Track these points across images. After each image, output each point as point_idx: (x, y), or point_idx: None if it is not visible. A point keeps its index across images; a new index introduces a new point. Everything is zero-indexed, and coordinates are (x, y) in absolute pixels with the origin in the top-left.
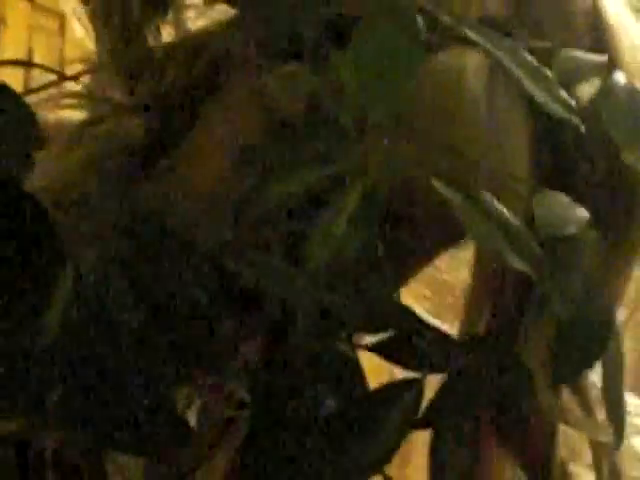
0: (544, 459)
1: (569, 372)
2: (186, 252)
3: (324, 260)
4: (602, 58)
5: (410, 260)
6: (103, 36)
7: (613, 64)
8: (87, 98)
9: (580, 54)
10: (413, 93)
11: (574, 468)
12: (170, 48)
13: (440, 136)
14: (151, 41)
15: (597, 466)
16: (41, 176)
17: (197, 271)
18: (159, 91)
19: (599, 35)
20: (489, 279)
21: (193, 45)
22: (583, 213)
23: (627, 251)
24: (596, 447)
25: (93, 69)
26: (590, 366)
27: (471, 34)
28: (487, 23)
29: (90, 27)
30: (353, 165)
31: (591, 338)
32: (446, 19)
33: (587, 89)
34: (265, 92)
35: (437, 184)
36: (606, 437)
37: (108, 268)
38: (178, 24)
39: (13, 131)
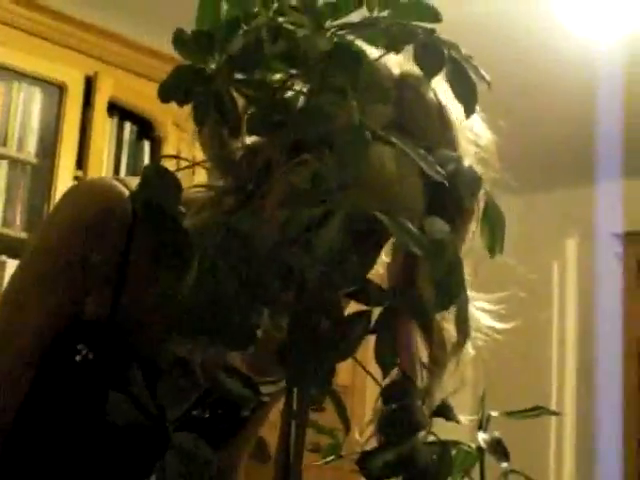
0: None
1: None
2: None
3: (325, 252)
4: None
5: (371, 254)
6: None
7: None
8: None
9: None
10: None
11: None
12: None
13: (378, 190)
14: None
15: None
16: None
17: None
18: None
19: (446, 131)
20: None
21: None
22: (446, 227)
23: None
24: None
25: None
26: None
27: (393, 139)
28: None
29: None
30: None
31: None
32: (374, 128)
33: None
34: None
35: (379, 215)
36: None
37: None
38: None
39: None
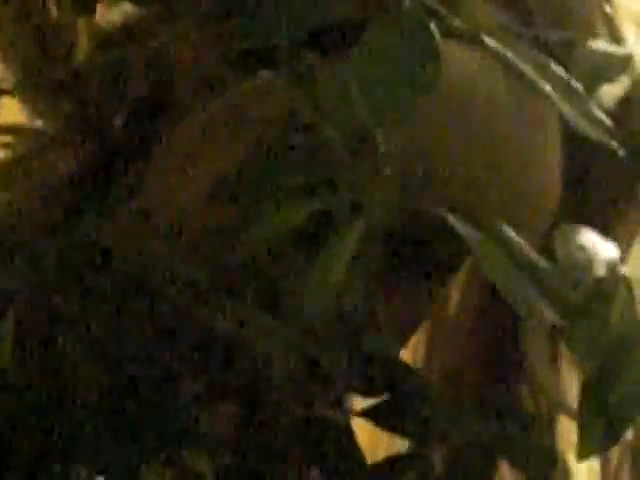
0: None
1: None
2: (146, 296)
3: (320, 314)
4: (625, 50)
5: (416, 313)
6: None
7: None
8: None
9: (600, 47)
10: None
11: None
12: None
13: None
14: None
15: None
16: None
17: (161, 321)
18: (97, 115)
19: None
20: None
21: (135, 59)
22: (612, 250)
23: None
24: None
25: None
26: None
27: (491, 43)
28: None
29: None
30: (344, 201)
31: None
32: (460, 24)
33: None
34: (244, 106)
35: (452, 219)
36: None
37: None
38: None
39: None
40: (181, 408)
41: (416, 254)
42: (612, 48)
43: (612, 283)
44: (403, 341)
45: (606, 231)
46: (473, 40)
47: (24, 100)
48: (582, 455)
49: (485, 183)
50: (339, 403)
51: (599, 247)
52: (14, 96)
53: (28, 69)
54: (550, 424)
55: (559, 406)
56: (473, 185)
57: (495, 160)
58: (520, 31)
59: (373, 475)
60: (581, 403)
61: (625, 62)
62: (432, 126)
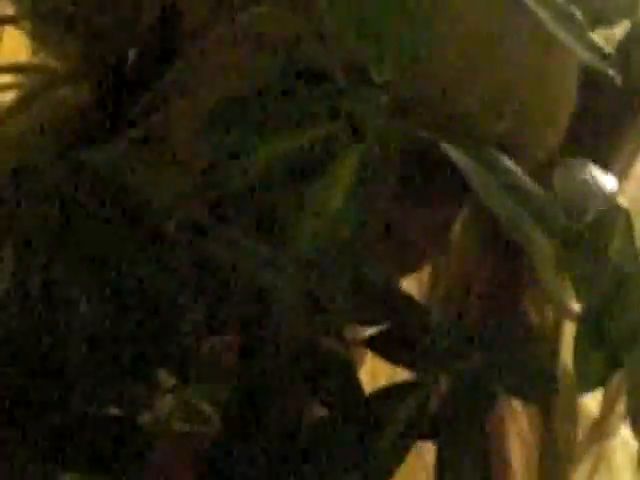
0: None
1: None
2: (149, 231)
3: (317, 242)
4: None
5: (421, 243)
6: None
7: None
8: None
9: None
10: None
11: None
12: None
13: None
14: None
15: None
16: None
17: (163, 251)
18: (108, 48)
19: None
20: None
21: None
22: (612, 183)
23: None
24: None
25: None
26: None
27: None
28: None
29: None
30: (345, 127)
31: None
32: None
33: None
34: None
35: (446, 147)
36: None
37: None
38: None
39: None
40: (184, 341)
41: (426, 182)
42: None
43: (612, 216)
44: (411, 271)
45: (603, 163)
46: None
47: (30, 34)
48: (583, 388)
49: (498, 99)
50: (339, 334)
51: (599, 180)
52: (18, 27)
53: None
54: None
55: (566, 311)
56: (484, 102)
57: (506, 79)
58: None
59: (372, 403)
60: (577, 336)
61: (629, 6)
62: (442, 54)
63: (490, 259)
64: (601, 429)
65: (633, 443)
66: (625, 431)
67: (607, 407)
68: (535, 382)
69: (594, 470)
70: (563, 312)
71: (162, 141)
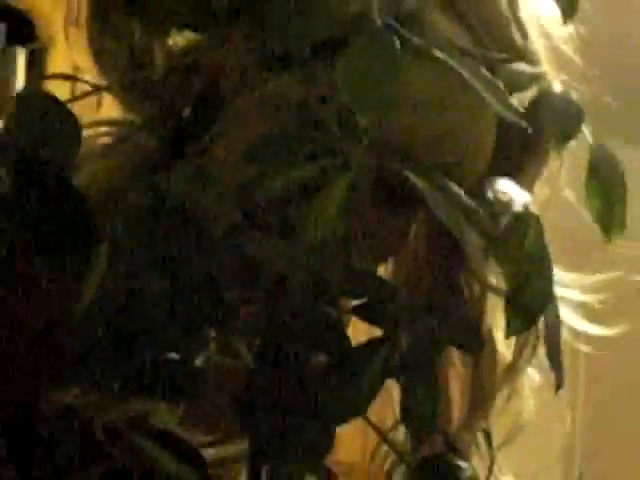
0: None
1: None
2: (202, 232)
3: (317, 238)
4: (537, 69)
5: (390, 240)
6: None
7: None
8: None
9: (519, 66)
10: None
11: None
12: (168, 68)
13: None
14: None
15: None
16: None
17: (211, 248)
18: (168, 108)
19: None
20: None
21: (186, 63)
22: (525, 195)
23: None
24: None
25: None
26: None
27: (439, 54)
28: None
29: None
30: (337, 162)
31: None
32: (417, 41)
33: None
34: (273, 98)
35: (411, 175)
36: None
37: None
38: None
39: (59, 133)
40: (227, 308)
41: (393, 197)
42: (527, 68)
43: (526, 218)
44: (384, 260)
45: (515, 181)
46: (429, 55)
47: (119, 99)
48: (509, 334)
49: (444, 139)
50: (333, 303)
51: (516, 192)
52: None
53: (122, 76)
54: (482, 303)
55: (490, 287)
56: (434, 143)
57: (450, 127)
58: (469, 49)
59: (356, 352)
60: (506, 302)
61: (534, 78)
62: (404, 111)
63: (437, 251)
64: (513, 368)
65: (535, 379)
66: (530, 370)
67: (518, 353)
68: (468, 336)
69: (509, 398)
70: (487, 287)
71: (212, 167)
